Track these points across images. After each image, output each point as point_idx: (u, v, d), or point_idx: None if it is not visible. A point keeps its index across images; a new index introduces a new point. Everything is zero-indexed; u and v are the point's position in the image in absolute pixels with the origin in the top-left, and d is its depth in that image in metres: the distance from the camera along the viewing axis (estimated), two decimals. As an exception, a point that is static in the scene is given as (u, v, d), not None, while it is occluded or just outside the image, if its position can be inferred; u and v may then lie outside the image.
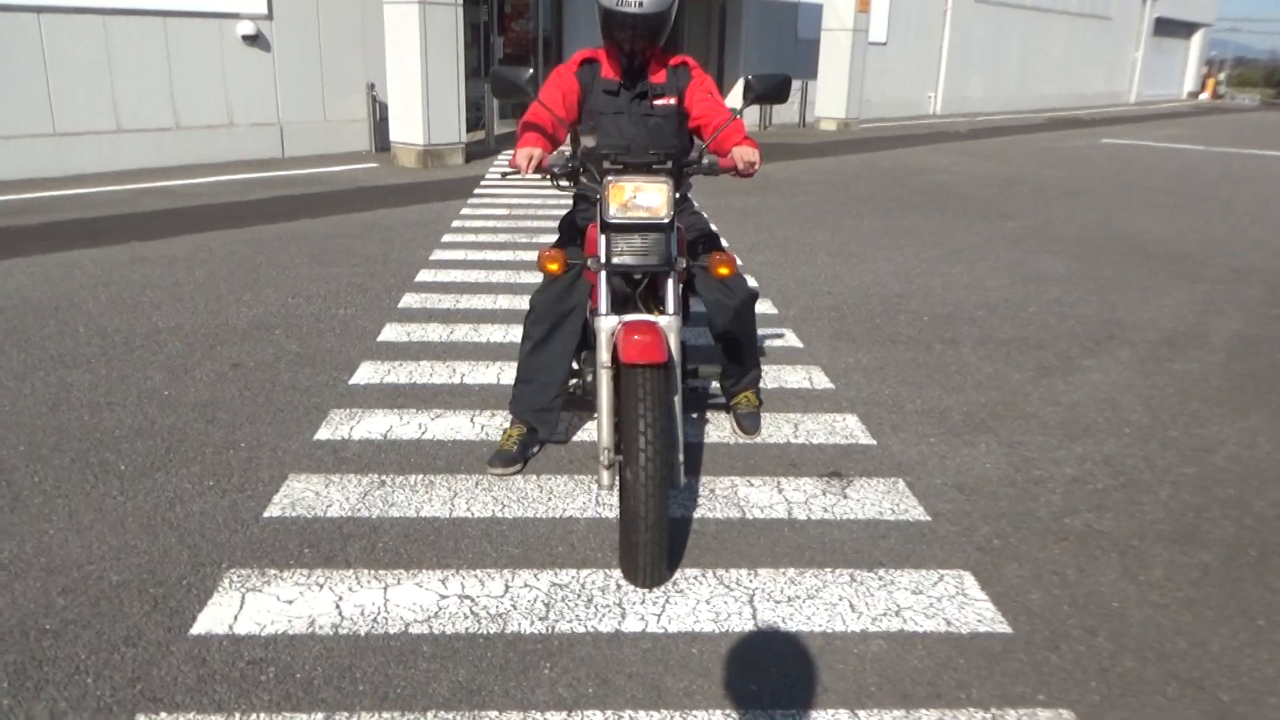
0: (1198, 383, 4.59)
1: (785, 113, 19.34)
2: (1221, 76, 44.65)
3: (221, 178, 10.13)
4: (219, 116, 11.41)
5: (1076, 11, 30.23)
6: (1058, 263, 7.15)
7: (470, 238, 7.38)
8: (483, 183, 10.36)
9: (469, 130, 12.48)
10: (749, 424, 3.75)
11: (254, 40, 11.45)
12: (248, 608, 2.51)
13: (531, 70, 2.87)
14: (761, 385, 4.28)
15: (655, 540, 2.52)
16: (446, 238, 7.34)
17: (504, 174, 3.09)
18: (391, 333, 4.90)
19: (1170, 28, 37.00)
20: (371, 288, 5.77)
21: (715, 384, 3.78)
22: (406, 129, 11.60)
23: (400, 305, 5.41)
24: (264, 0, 11.45)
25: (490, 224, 7.97)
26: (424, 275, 6.12)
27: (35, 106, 9.79)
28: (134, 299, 5.38)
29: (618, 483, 2.64)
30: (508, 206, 8.80)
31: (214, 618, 2.46)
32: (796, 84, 19.09)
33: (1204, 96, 41.30)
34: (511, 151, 2.96)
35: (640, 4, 2.98)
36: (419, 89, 11.25)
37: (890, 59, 22.39)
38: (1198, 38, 40.13)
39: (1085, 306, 5.90)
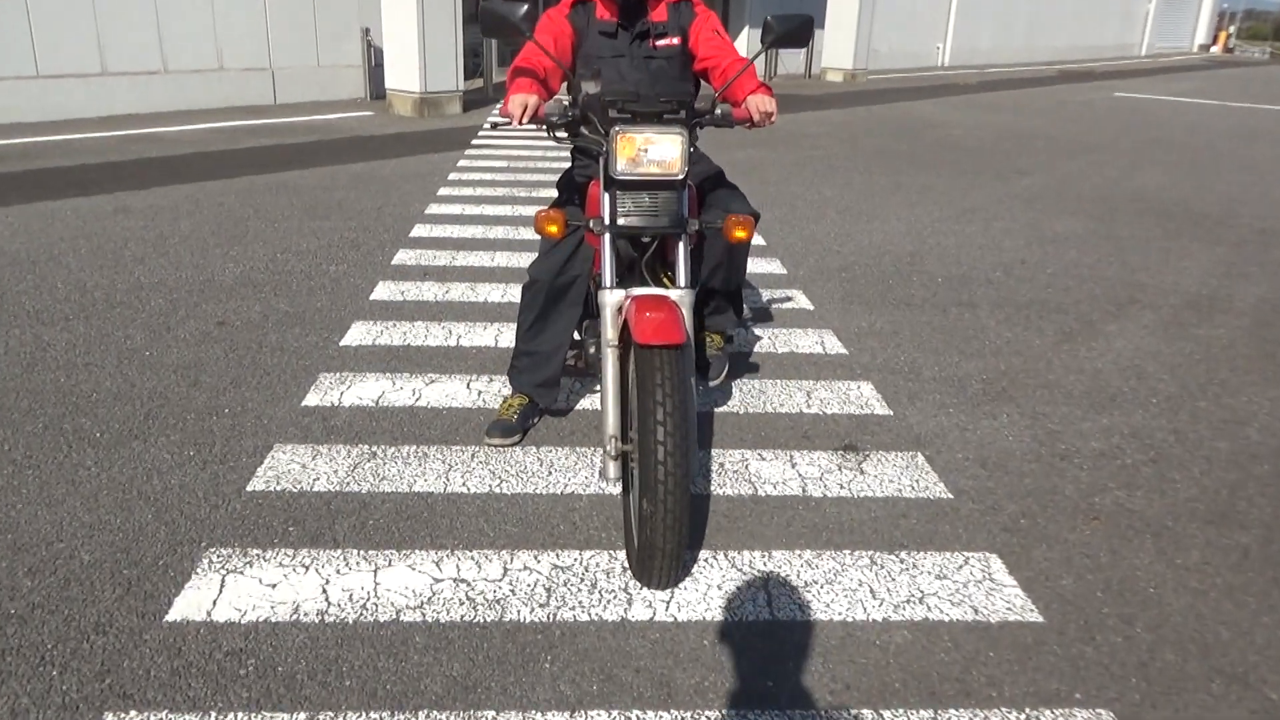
0: (1225, 349, 4.40)
1: (791, 62, 18.88)
2: (1232, 29, 43.82)
3: (211, 125, 9.82)
4: (209, 61, 11.06)
5: (1089, -40, 29.50)
6: (1075, 222, 6.92)
7: (468, 191, 7.13)
8: (480, 133, 10.06)
9: (467, 78, 12.12)
10: (711, 367, 3.17)
11: (244, -18, 11.06)
12: (227, 592, 2.34)
13: (528, 5, 2.57)
14: (771, 350, 4.10)
15: (675, 541, 2.28)
16: (443, 191, 7.09)
17: (494, 124, 2.78)
18: (385, 291, 4.70)
19: (1184, -22, 36.17)
20: (364, 243, 5.55)
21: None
22: (402, 76, 11.26)
23: (394, 262, 5.19)
24: (254, -61, 11.06)
25: (488, 176, 7.71)
26: (419, 230, 5.89)
27: (17, 47, 9.46)
28: (116, 252, 5.16)
29: (625, 475, 2.44)
30: (507, 158, 8.53)
31: (191, 603, 2.29)
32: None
33: (1215, 50, 40.56)
34: (503, 100, 2.70)
35: None
36: (415, 35, 10.89)
37: (898, 9, 21.82)
38: (1211, -11, 39.25)
39: (1105, 268, 5.69)
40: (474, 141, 9.41)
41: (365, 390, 3.53)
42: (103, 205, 6.19)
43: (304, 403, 3.41)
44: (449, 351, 3.95)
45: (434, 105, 11.25)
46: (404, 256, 5.30)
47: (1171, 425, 3.57)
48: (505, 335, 4.04)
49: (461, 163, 8.28)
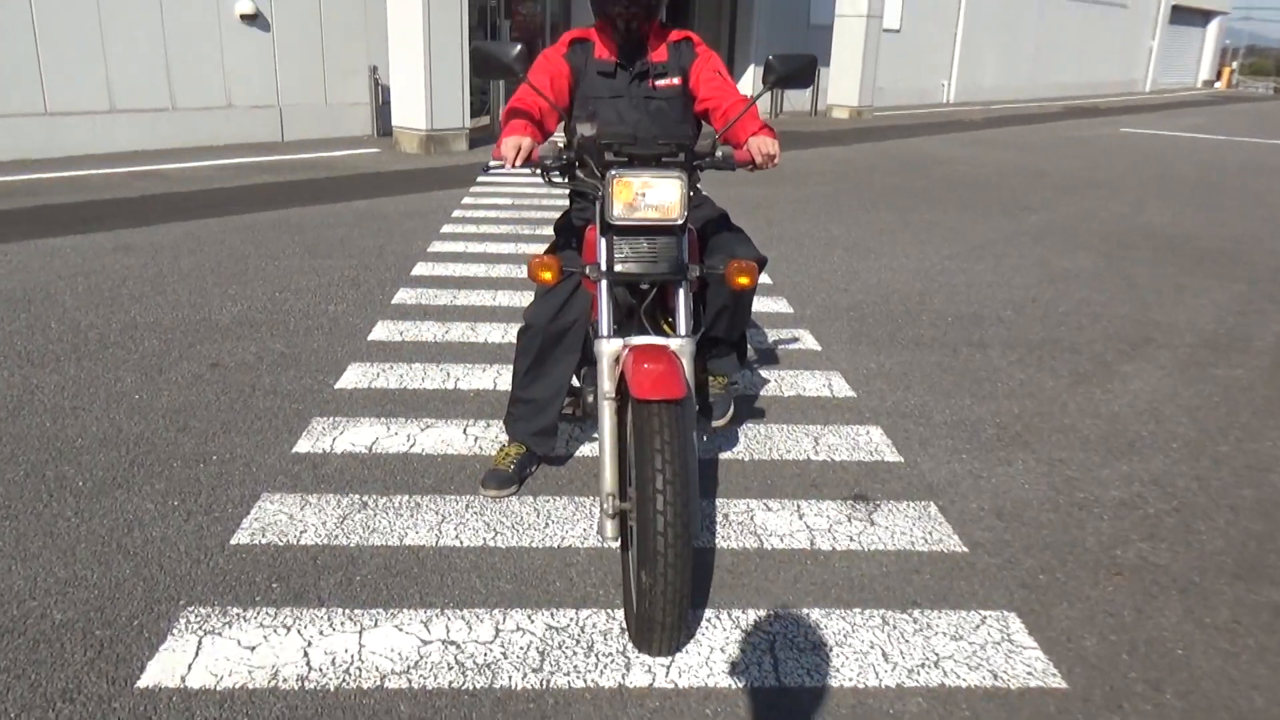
0: (1245, 391, 4.28)
1: (797, 100, 18.95)
2: (1235, 65, 44.05)
3: (217, 161, 9.82)
4: (216, 98, 11.10)
5: (1092, -1, 29.71)
6: (1085, 259, 6.82)
7: (471, 229, 7.07)
8: (487, 172, 10.02)
9: (473, 115, 12.14)
10: (715, 408, 3.07)
11: (253, 19, 11.13)
12: (204, 655, 2.22)
13: (520, 46, 2.48)
14: (778, 393, 3.99)
15: (675, 615, 2.14)
16: (446, 228, 7.04)
17: (488, 168, 2.70)
18: (383, 331, 4.61)
19: (1186, 15, 36.40)
20: (365, 282, 5.47)
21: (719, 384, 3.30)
22: (409, 113, 11.28)
23: (394, 301, 5.11)
24: (263, -21, 11.14)
25: (492, 214, 7.66)
26: (420, 269, 5.81)
27: (26, 84, 9.49)
28: (113, 291, 5.09)
29: (624, 533, 2.33)
30: (511, 196, 8.49)
31: (165, 667, 2.17)
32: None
33: (1219, 85, 40.70)
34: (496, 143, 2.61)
35: None
36: (422, 73, 10.92)
37: (904, 46, 21.94)
38: (1214, 25, 39.51)
39: (1118, 306, 5.58)
40: (479, 179, 9.38)
41: (359, 436, 3.43)
42: (103, 242, 6.15)
43: (295, 449, 3.31)
44: (446, 395, 3.84)
45: (440, 142, 11.25)
46: (404, 295, 5.22)
47: (1193, 472, 3.44)
48: (504, 377, 3.94)
49: (466, 200, 8.24)
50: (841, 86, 18.48)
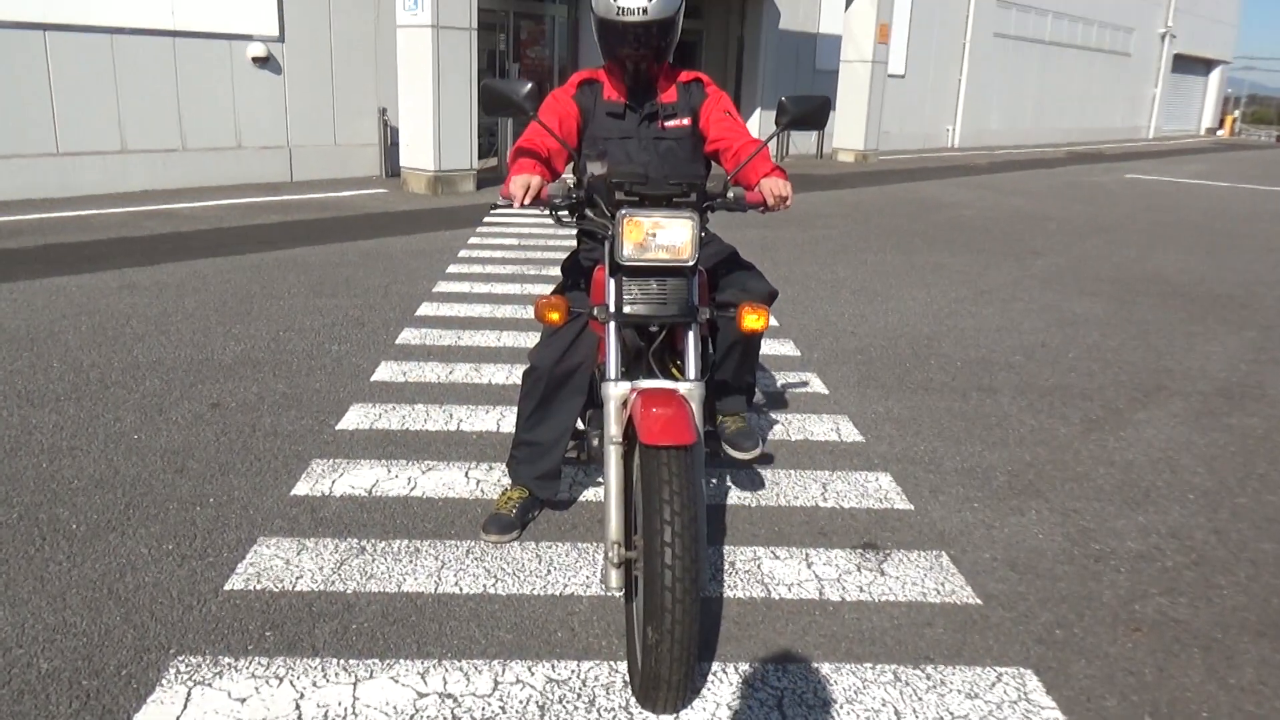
0: (1261, 441, 4.20)
1: (803, 143, 19.08)
2: (1237, 114, 44.41)
3: (226, 201, 9.87)
4: (227, 139, 11.19)
5: (1095, 47, 30.00)
6: (1094, 304, 6.78)
7: (477, 269, 7.06)
8: (493, 211, 10.06)
9: (481, 157, 12.23)
10: (741, 440, 2.96)
11: (264, 62, 11.25)
12: (193, 707, 2.14)
13: (531, 84, 2.47)
14: (785, 437, 3.93)
15: (682, 673, 2.05)
16: (452, 268, 7.03)
17: (494, 206, 2.66)
18: (386, 371, 4.57)
19: (1188, 64, 36.76)
20: (369, 321, 5.45)
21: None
22: (417, 154, 11.35)
23: (398, 341, 5.08)
24: (275, 22, 11.27)
25: (498, 254, 7.66)
26: (425, 309, 5.79)
27: (39, 125, 9.58)
28: (117, 330, 5.06)
29: (629, 581, 2.26)
30: (517, 236, 8.50)
31: (152, 719, 2.10)
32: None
33: (1221, 133, 40.97)
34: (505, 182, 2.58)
35: (644, 10, 2.64)
36: (431, 114, 11.01)
37: (909, 91, 22.14)
38: (1215, 74, 39.87)
39: (1129, 352, 5.53)
40: (485, 219, 9.41)
41: (358, 478, 3.37)
42: (109, 281, 6.14)
43: (293, 491, 3.25)
44: (449, 436, 3.79)
45: (448, 183, 11.31)
46: (409, 335, 5.19)
47: (1211, 524, 3.36)
48: (508, 419, 3.89)
49: (472, 240, 8.25)
50: (847, 130, 18.61)
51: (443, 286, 6.41)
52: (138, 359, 4.60)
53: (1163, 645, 2.60)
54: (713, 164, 3.04)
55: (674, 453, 2.08)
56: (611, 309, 2.39)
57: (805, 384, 4.68)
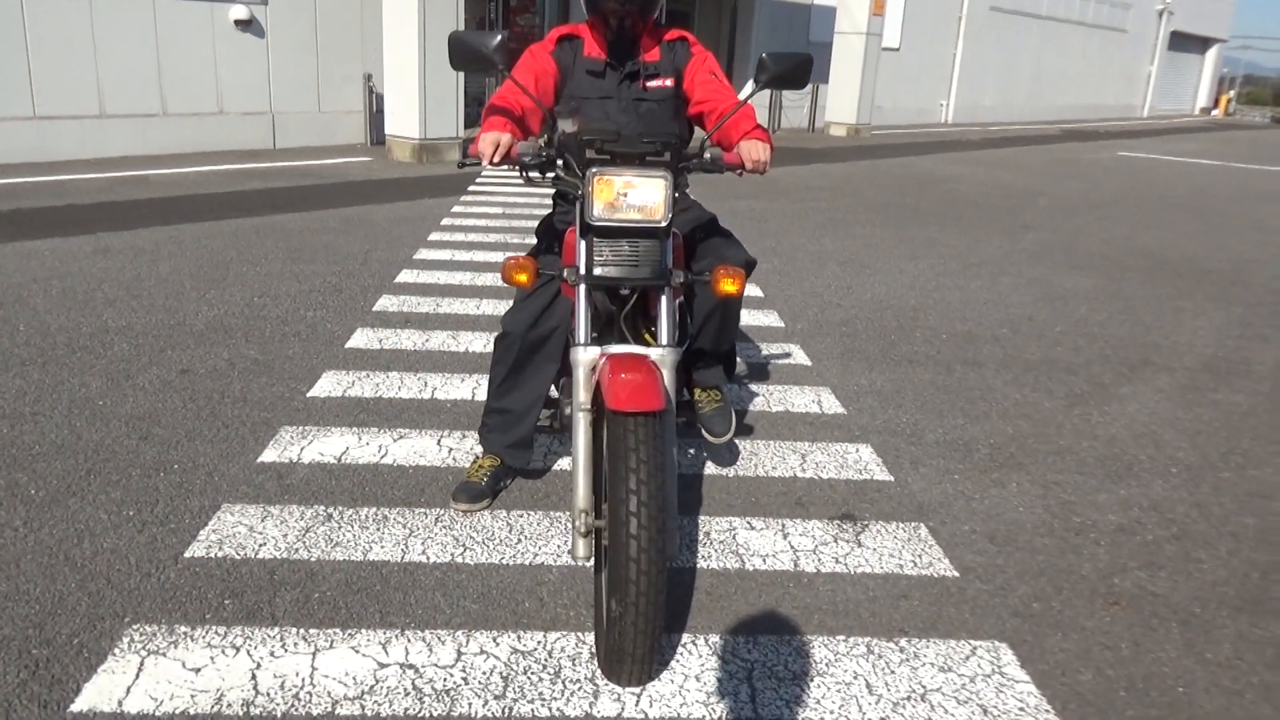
0: (1245, 416, 4.17)
1: (795, 116, 18.93)
2: (1232, 93, 44.31)
3: (207, 167, 9.72)
4: (208, 104, 11.01)
5: (1092, 23, 29.81)
6: (1083, 279, 6.72)
7: (459, 236, 6.96)
8: (478, 179, 9.94)
9: (467, 125, 12.07)
10: (715, 424, 2.89)
11: (247, 25, 11.05)
12: (145, 677, 2.08)
13: (500, 36, 2.36)
14: (765, 408, 3.87)
15: (646, 646, 2.01)
16: (434, 236, 6.92)
17: (462, 164, 2.56)
18: (362, 339, 4.48)
19: (1185, 42, 36.58)
20: (346, 288, 5.35)
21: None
22: (403, 122, 11.19)
23: (375, 308, 4.99)
24: (258, -15, 11.08)
25: (482, 223, 7.55)
26: (405, 276, 5.70)
27: (15, 88, 9.39)
28: (87, 294, 4.96)
29: (598, 552, 2.20)
30: (501, 205, 8.39)
31: (101, 690, 2.04)
32: (807, 87, 18.70)
33: (1216, 113, 40.88)
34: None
35: None
36: (416, 82, 10.84)
37: (903, 65, 21.97)
38: (1212, 53, 39.71)
39: (1115, 327, 5.48)
40: (470, 187, 9.28)
41: (328, 446, 3.30)
42: (82, 246, 6.02)
43: (260, 458, 3.17)
44: (422, 404, 3.72)
45: (433, 151, 11.17)
46: (386, 302, 5.10)
47: (1193, 498, 3.32)
48: (483, 387, 3.78)
49: (456, 208, 8.14)
50: (840, 104, 18.47)
51: (424, 254, 6.31)
52: (107, 324, 4.50)
53: (1140, 619, 2.56)
54: (695, 128, 2.95)
55: (641, 420, 2.01)
56: (581, 271, 2.31)
57: (788, 355, 4.62)
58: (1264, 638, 2.51)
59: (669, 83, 2.83)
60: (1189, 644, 2.46)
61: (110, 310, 4.71)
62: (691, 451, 3.40)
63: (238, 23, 10.93)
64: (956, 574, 2.72)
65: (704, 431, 2.92)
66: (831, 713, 2.11)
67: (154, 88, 10.47)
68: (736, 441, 3.53)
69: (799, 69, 2.46)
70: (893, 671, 2.26)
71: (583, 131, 2.26)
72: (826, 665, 2.27)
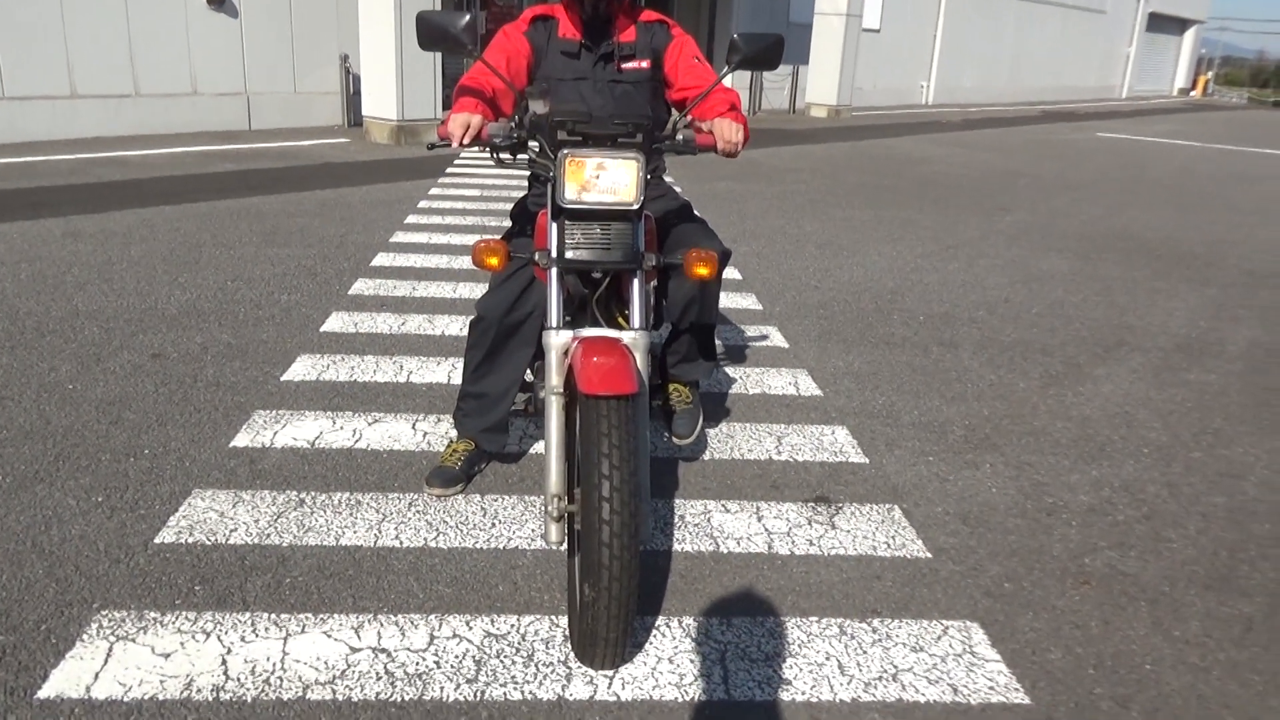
0: (1217, 396, 4.21)
1: (775, 98, 18.88)
2: (1210, 75, 44.58)
3: (180, 149, 9.60)
4: (182, 85, 10.86)
5: (1070, 4, 29.84)
6: (1060, 260, 6.76)
7: (436, 219, 6.91)
8: (456, 162, 9.87)
9: (445, 107, 11.96)
10: (680, 425, 2.92)
11: (220, 4, 10.89)
12: (114, 663, 2.07)
13: (470, 16, 2.33)
14: (742, 390, 3.87)
15: (619, 630, 2.01)
16: (410, 219, 6.87)
17: (432, 146, 2.53)
18: (337, 322, 4.45)
19: (1163, 23, 36.70)
20: (322, 272, 5.30)
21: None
22: (380, 103, 11.08)
23: (350, 291, 4.95)
24: (231, -37, 10.91)
25: (459, 206, 7.50)
26: (381, 259, 5.65)
27: (-18, 68, 9.23)
28: (57, 278, 4.89)
29: (571, 537, 2.19)
30: (480, 188, 8.33)
31: (69, 676, 2.02)
32: (787, 68, 18.65)
33: (1194, 94, 41.10)
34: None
35: None
36: (393, 62, 10.72)
37: (883, 46, 21.94)
38: (1190, 34, 39.87)
39: (1091, 309, 5.51)
40: (448, 170, 9.21)
41: (301, 430, 3.27)
42: (52, 228, 5.94)
43: (233, 443, 3.15)
44: (397, 388, 3.70)
45: (411, 133, 11.07)
46: (362, 286, 5.06)
47: (1164, 478, 3.36)
48: (459, 371, 3.78)
49: (434, 191, 8.08)
50: (820, 85, 18.43)
51: (400, 237, 6.27)
52: (78, 307, 4.45)
53: (1110, 598, 2.59)
54: (674, 112, 2.92)
55: (614, 403, 2.01)
56: (553, 254, 2.29)
57: (766, 338, 4.62)
58: (1231, 615, 2.54)
59: (645, 64, 2.80)
60: (1157, 622, 2.49)
61: (81, 294, 4.65)
62: (666, 435, 3.39)
63: (210, 2, 10.77)
64: (929, 555, 2.73)
65: (668, 431, 2.93)
66: (804, 693, 2.12)
67: (126, 68, 10.31)
68: (713, 423, 3.53)
69: (771, 50, 2.44)
70: (865, 652, 2.28)
71: (554, 113, 2.24)
72: (799, 646, 2.28)
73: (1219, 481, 3.36)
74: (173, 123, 10.74)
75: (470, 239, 6.30)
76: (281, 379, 3.72)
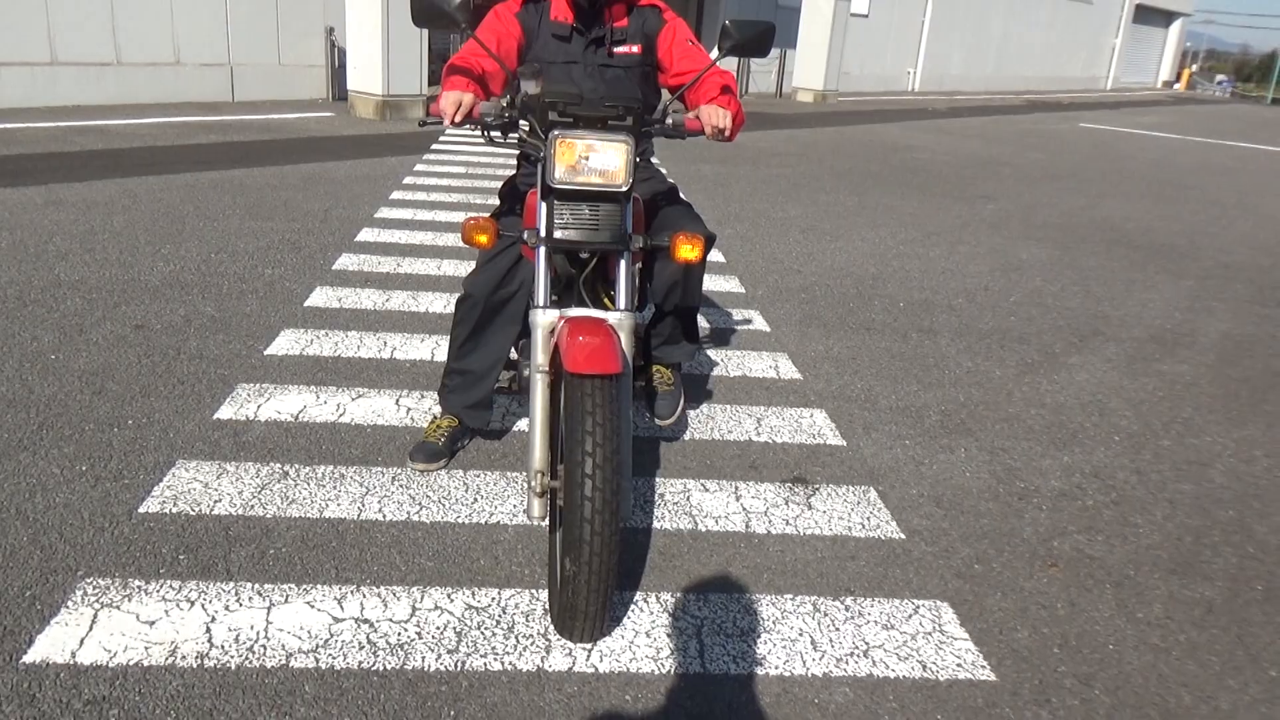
0: (1189, 387, 4.29)
1: (762, 82, 18.86)
2: (1194, 68, 44.87)
3: (163, 119, 9.50)
4: (164, 54, 10.74)
5: (1059, -7, 29.94)
6: (1040, 250, 6.83)
7: (421, 195, 6.90)
8: (441, 138, 9.83)
9: (431, 82, 11.89)
10: (661, 406, 2.97)
11: (204, -26, 10.76)
12: (99, 629, 2.09)
13: None
14: (723, 373, 3.92)
15: (599, 604, 2.05)
16: (395, 194, 6.86)
17: (423, 123, 2.55)
18: (321, 297, 4.45)
19: (1149, 15, 36.88)
20: (306, 246, 5.30)
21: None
22: (365, 78, 11.00)
23: (335, 266, 4.95)
24: (216, -69, 10.78)
25: (445, 182, 7.49)
26: (365, 234, 5.65)
27: (-40, 32, 9.10)
28: (39, 247, 4.87)
29: (553, 513, 2.23)
30: (465, 164, 8.31)
31: (55, 641, 2.05)
32: (775, 53, 18.61)
33: (1178, 86, 41.36)
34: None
35: None
36: (379, 36, 10.65)
37: (871, 32, 21.94)
38: (1176, 27, 40.09)
39: (1069, 297, 5.59)
40: (434, 146, 9.18)
41: (285, 404, 3.29)
42: (33, 197, 5.89)
43: (216, 415, 3.16)
44: (381, 364, 3.72)
45: (396, 108, 11.00)
46: (346, 261, 5.06)
47: (1134, 465, 3.43)
48: (443, 348, 3.82)
49: (419, 167, 8.05)
50: (807, 70, 18.43)
51: (385, 213, 6.26)
52: (59, 277, 4.43)
53: (1077, 580, 2.66)
54: (665, 93, 2.94)
55: (598, 382, 2.04)
56: (542, 233, 2.32)
57: (748, 321, 4.67)
58: (1192, 598, 2.62)
59: (637, 49, 2.81)
60: (1121, 604, 2.56)
61: (62, 264, 4.63)
62: (648, 415, 3.44)
63: (195, -30, 10.64)
64: (903, 536, 2.79)
65: (649, 412, 2.98)
66: (776, 668, 2.17)
67: (107, 35, 10.18)
68: (694, 405, 3.57)
69: (761, 37, 2.47)
70: (837, 629, 2.34)
71: (545, 94, 2.26)
72: (773, 622, 2.34)
73: (1187, 469, 3.44)
74: (155, 92, 10.63)
75: (455, 216, 6.30)
76: (265, 353, 3.73)
